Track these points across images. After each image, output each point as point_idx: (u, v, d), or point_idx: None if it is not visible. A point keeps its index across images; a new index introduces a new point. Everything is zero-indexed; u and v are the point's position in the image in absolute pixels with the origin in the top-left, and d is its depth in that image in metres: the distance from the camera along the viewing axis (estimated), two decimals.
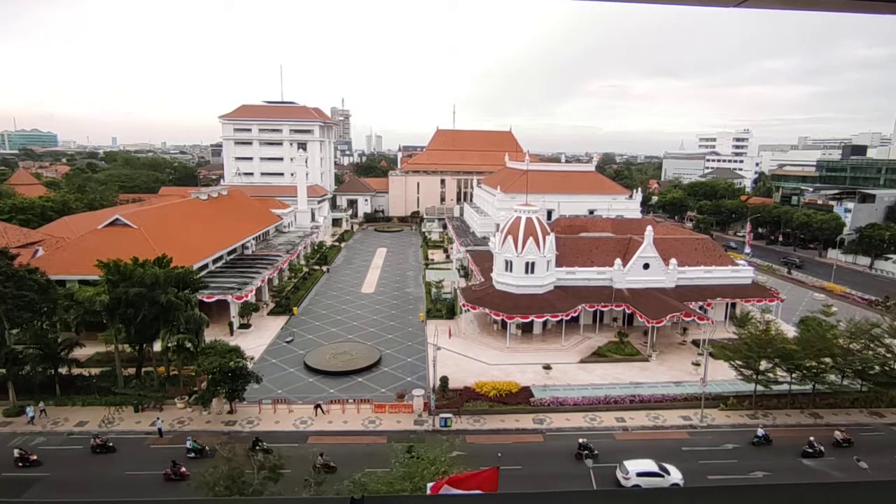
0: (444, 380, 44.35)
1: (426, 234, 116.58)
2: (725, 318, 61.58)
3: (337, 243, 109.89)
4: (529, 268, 56.56)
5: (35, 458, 34.88)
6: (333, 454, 35.59)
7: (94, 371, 45.82)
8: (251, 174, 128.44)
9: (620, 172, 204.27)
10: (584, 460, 33.18)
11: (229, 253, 71.64)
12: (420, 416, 41.32)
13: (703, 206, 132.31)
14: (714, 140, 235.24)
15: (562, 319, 54.62)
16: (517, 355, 52.82)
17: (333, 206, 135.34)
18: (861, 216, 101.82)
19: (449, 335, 55.86)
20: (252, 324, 60.04)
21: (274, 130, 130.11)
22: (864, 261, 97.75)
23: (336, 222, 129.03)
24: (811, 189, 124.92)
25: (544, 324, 58.20)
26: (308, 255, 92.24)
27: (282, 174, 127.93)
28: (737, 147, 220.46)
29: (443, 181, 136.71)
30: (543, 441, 38.72)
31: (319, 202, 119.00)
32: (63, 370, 43.76)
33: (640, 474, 32.99)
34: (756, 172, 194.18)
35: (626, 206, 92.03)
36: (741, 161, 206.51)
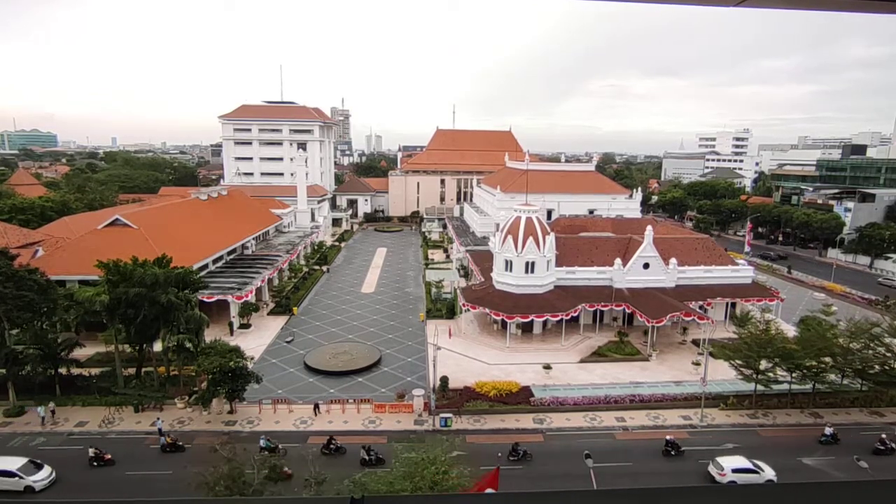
0: (444, 380, 44.35)
1: (426, 233, 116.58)
2: (725, 317, 61.57)
3: (337, 243, 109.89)
4: (529, 267, 56.56)
5: (109, 456, 34.96)
6: (334, 454, 35.65)
7: (94, 371, 45.82)
8: (251, 174, 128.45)
9: (620, 172, 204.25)
10: (673, 454, 34.79)
11: (229, 253, 71.64)
12: (420, 416, 41.33)
13: (703, 206, 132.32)
14: (714, 140, 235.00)
15: (562, 319, 54.62)
16: (517, 355, 52.82)
17: (333, 206, 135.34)
18: (861, 216, 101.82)
19: (449, 335, 55.86)
20: (252, 324, 60.05)
21: (274, 130, 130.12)
22: (863, 260, 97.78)
23: (336, 222, 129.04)
24: (811, 188, 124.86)
25: (544, 323, 58.20)
26: (308, 255, 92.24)
27: (282, 174, 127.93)
28: (737, 146, 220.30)
29: (443, 181, 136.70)
30: (544, 441, 38.72)
31: (319, 202, 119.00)
32: (63, 370, 43.77)
33: (735, 470, 33.08)
34: (756, 172, 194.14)
35: (626, 205, 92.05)
36: (741, 160, 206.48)
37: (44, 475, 32.68)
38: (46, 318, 44.56)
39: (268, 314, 64.36)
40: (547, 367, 49.57)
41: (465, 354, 52.53)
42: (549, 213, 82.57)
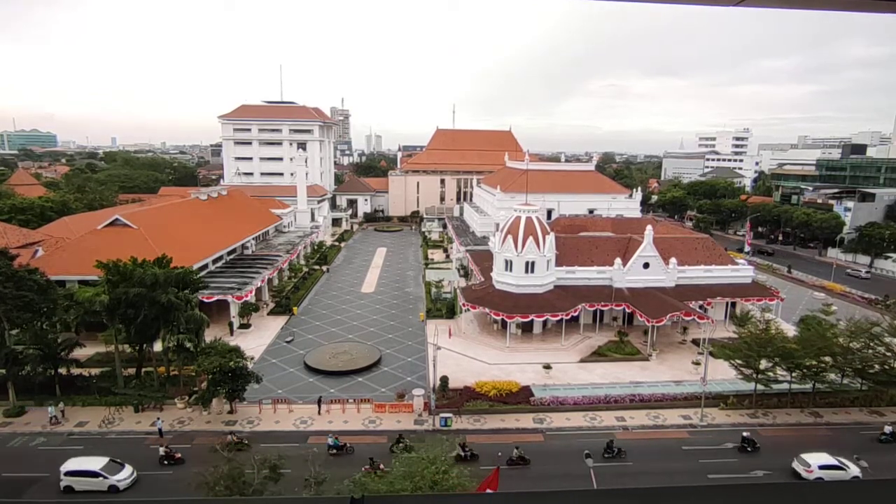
0: (444, 379, 44.35)
1: (426, 233, 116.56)
2: (725, 317, 61.56)
3: (337, 243, 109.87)
4: (529, 267, 56.55)
5: (179, 455, 34.74)
6: (334, 453, 35.65)
7: (94, 371, 45.82)
8: (251, 174, 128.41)
9: (620, 172, 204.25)
10: (749, 450, 35.56)
11: (229, 253, 71.63)
12: (420, 416, 41.34)
13: (703, 206, 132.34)
14: (714, 139, 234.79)
15: (562, 319, 54.61)
16: (517, 355, 52.82)
17: (333, 206, 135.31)
18: (861, 215, 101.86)
19: (449, 335, 55.86)
20: (252, 324, 60.04)
21: (273, 130, 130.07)
22: (863, 260, 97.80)
23: (336, 222, 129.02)
24: (811, 188, 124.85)
25: (544, 323, 58.20)
26: (308, 255, 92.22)
27: (281, 174, 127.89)
28: (736, 146, 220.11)
29: (442, 181, 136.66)
30: (544, 441, 38.73)
31: (319, 202, 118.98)
32: (63, 370, 43.76)
33: (822, 467, 33.36)
34: (756, 171, 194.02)
35: (626, 205, 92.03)
36: (741, 160, 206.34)
37: (126, 474, 32.58)
38: (46, 318, 44.54)
39: (268, 314, 64.36)
40: (547, 366, 49.57)
41: (465, 354, 52.52)
42: (549, 212, 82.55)
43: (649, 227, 61.45)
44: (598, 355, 53.01)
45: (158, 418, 39.30)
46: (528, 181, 78.97)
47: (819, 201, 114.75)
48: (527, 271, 56.64)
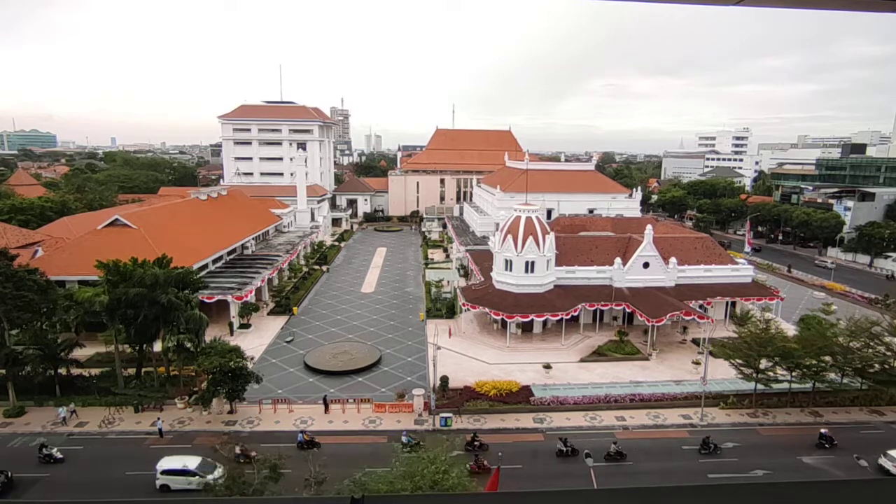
0: (445, 379, 44.36)
1: (426, 233, 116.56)
2: (725, 316, 61.55)
3: (337, 243, 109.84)
4: (529, 267, 56.55)
5: (255, 454, 33.36)
6: (334, 454, 35.63)
7: (94, 371, 45.81)
8: (251, 174, 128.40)
9: (620, 171, 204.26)
10: (827, 446, 36.27)
11: (229, 253, 71.63)
12: (420, 416, 41.34)
13: (703, 205, 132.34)
14: (714, 139, 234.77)
15: (562, 318, 54.61)
16: (517, 354, 52.82)
17: (333, 206, 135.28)
18: (860, 214, 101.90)
19: (449, 335, 55.87)
20: (252, 324, 60.03)
21: (273, 130, 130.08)
22: (863, 259, 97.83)
23: (336, 222, 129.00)
24: (811, 187, 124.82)
25: (544, 323, 58.20)
26: (308, 255, 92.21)
27: (281, 174, 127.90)
28: (736, 146, 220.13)
29: (442, 181, 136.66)
30: (544, 440, 38.72)
31: (319, 202, 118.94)
32: (63, 370, 43.79)
33: None
34: (756, 171, 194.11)
35: (626, 204, 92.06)
36: (741, 160, 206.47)
37: (219, 473, 32.39)
38: (46, 319, 44.58)
39: (268, 314, 64.36)
40: (547, 366, 49.58)
41: (465, 354, 52.52)
42: (549, 212, 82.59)
43: (649, 227, 61.45)
44: (598, 355, 53.02)
45: (159, 418, 39.30)
46: (527, 181, 79.02)
47: (819, 201, 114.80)
48: (527, 271, 56.64)
